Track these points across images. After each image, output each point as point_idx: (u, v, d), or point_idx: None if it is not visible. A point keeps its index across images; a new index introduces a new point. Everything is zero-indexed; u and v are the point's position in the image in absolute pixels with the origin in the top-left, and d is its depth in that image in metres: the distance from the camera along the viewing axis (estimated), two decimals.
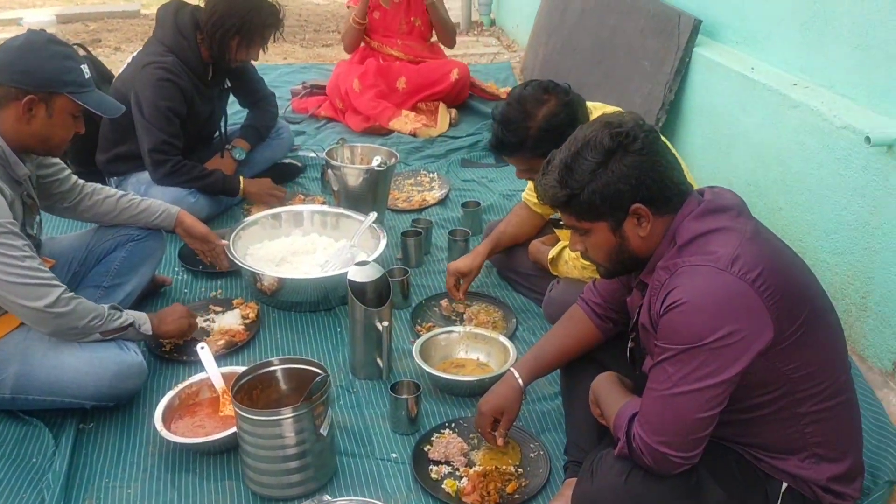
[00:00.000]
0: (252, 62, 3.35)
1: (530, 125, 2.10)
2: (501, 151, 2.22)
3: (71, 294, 1.96)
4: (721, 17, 3.18)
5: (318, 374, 1.89)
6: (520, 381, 1.90)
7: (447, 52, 4.73)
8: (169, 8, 3.09)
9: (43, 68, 1.92)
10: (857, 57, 2.34)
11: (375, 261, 2.54)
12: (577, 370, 1.96)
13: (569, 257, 2.35)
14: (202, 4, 3.05)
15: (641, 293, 1.67)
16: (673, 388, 1.45)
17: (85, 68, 2.03)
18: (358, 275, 2.28)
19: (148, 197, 2.85)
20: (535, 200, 2.64)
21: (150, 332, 2.15)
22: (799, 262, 1.61)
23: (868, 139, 2.04)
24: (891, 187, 2.07)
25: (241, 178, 3.18)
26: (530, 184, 2.67)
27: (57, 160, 2.25)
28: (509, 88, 4.83)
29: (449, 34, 4.58)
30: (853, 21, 2.34)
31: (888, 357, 2.12)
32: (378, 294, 2.29)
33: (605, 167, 1.49)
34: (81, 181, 2.36)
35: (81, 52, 3.35)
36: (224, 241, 2.62)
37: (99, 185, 2.41)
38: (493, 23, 6.80)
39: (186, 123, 3.07)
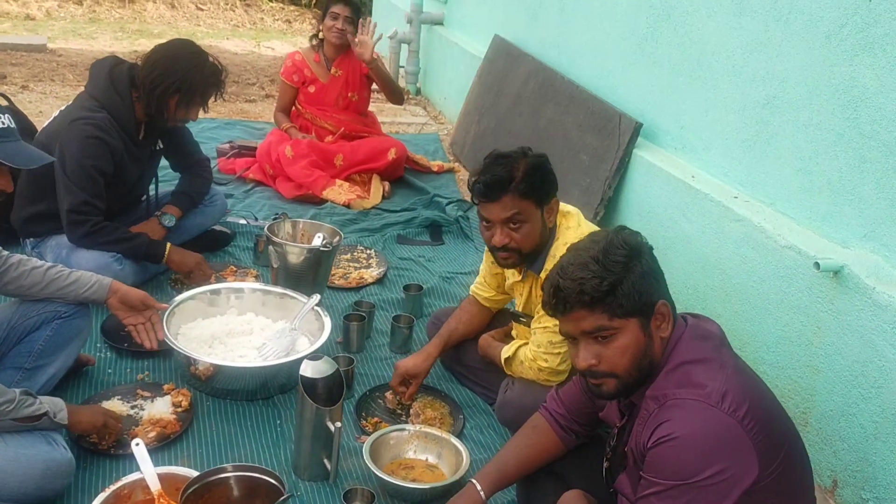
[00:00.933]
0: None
1: (516, 166, 2.17)
2: (490, 192, 2.18)
3: None
4: (662, 122, 3.32)
5: (273, 485, 1.77)
6: (482, 493, 1.84)
7: (383, 123, 4.74)
8: (104, 63, 2.94)
9: None
10: (800, 180, 2.48)
11: (319, 347, 2.46)
12: (535, 483, 1.92)
13: (525, 358, 2.33)
14: (139, 62, 2.92)
15: (622, 414, 1.66)
16: None
17: (6, 117, 1.91)
18: (309, 370, 2.17)
19: (70, 261, 2.67)
20: (485, 295, 2.63)
21: (66, 422, 1.96)
22: (772, 394, 1.65)
23: (817, 265, 2.14)
24: (836, 311, 2.18)
25: (168, 244, 3.01)
26: (479, 276, 2.66)
27: None
28: (440, 162, 4.91)
29: (395, 93, 4.64)
30: (796, 146, 2.49)
31: (828, 475, 2.19)
32: (329, 390, 2.19)
33: (635, 261, 1.52)
34: (6, 252, 2.16)
35: (2, 102, 3.14)
36: (164, 305, 2.47)
37: (25, 256, 2.21)
38: (419, 91, 6.87)
39: (113, 184, 2.89)
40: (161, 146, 3.17)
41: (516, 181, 2.16)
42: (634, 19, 3.51)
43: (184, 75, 2.84)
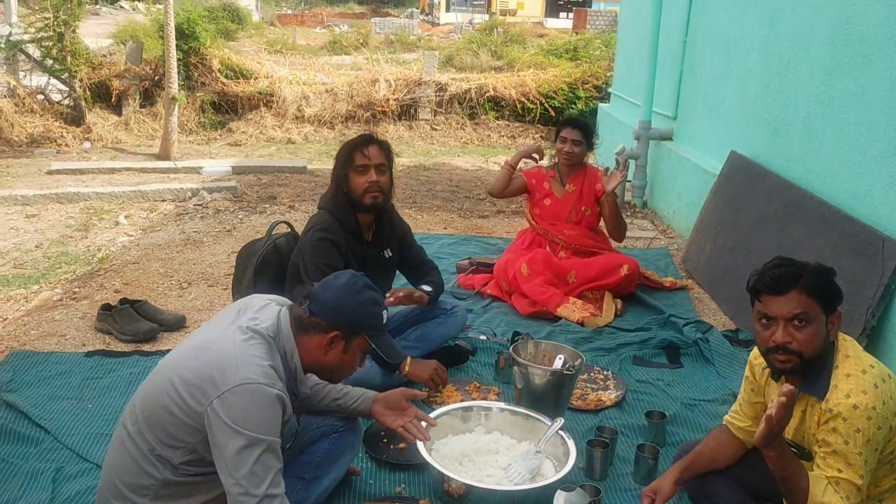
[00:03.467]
0: (412, 235, 3.53)
1: (806, 266, 2.18)
2: (781, 284, 2.14)
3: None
4: None
5: None
6: None
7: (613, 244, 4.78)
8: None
9: (355, 311, 2.11)
10: None
11: (566, 474, 2.47)
12: None
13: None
14: None
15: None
16: None
17: (384, 313, 2.21)
18: (562, 501, 2.19)
19: None
20: (740, 425, 2.51)
21: None
22: None
23: None
24: None
25: (408, 357, 3.21)
26: (735, 405, 2.55)
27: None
28: (672, 279, 4.83)
29: (620, 230, 4.64)
30: None
31: None
32: None
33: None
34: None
35: (286, 229, 3.57)
36: (422, 393, 2.73)
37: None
38: (645, 205, 6.87)
39: None
40: (390, 255, 3.42)
41: (806, 277, 2.13)
42: (893, 135, 3.31)
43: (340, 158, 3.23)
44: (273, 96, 10.49)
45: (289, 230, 3.58)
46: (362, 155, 3.18)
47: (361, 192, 3.18)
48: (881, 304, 3.13)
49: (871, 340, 3.17)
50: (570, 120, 4.63)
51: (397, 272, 3.56)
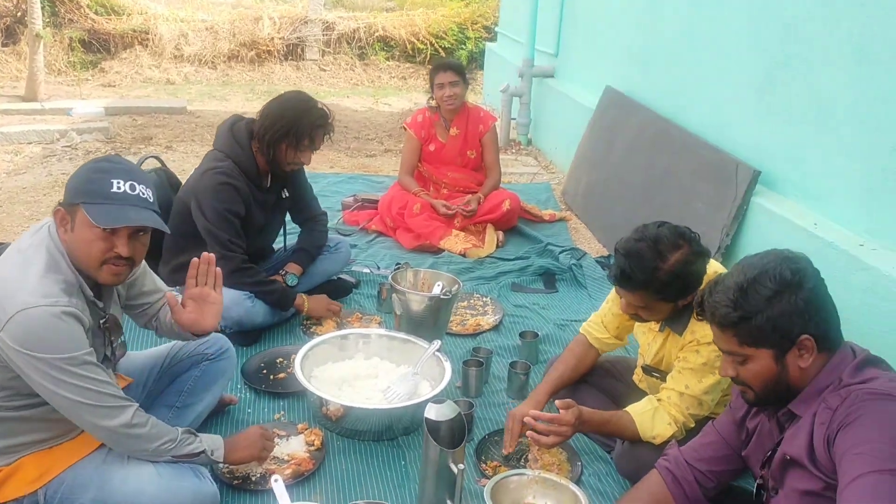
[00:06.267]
0: (305, 177, 3.47)
1: (661, 266, 2.11)
2: (624, 285, 2.19)
3: (146, 417, 1.96)
4: (781, 170, 3.29)
5: None
6: None
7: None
8: (227, 121, 3.22)
9: (75, 180, 1.89)
10: None
11: (441, 391, 2.56)
12: None
13: (670, 429, 2.27)
14: (257, 116, 3.16)
15: (781, 428, 1.69)
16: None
17: (118, 182, 1.85)
18: (434, 412, 2.28)
19: None
20: (597, 335, 2.67)
21: (222, 460, 2.13)
22: None
23: None
24: None
25: (303, 296, 3.23)
26: (596, 317, 2.70)
27: (156, 287, 2.29)
28: (552, 211, 4.99)
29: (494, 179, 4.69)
30: None
31: None
32: (451, 432, 2.28)
33: (780, 298, 1.56)
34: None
35: (157, 164, 3.47)
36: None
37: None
38: (529, 142, 7.01)
39: (244, 228, 3.13)
40: (287, 195, 3.39)
41: (655, 286, 2.12)
42: (751, 68, 3.51)
43: (291, 119, 3.06)
44: (149, 34, 9.96)
45: (160, 166, 3.47)
46: (313, 143, 3.13)
47: (286, 164, 3.15)
48: (734, 224, 3.36)
49: (726, 258, 3.41)
50: (440, 65, 4.57)
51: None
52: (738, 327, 1.59)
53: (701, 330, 2.24)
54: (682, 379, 2.28)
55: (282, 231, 3.46)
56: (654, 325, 2.42)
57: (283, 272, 3.36)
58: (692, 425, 2.27)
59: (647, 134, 4.38)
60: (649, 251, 2.11)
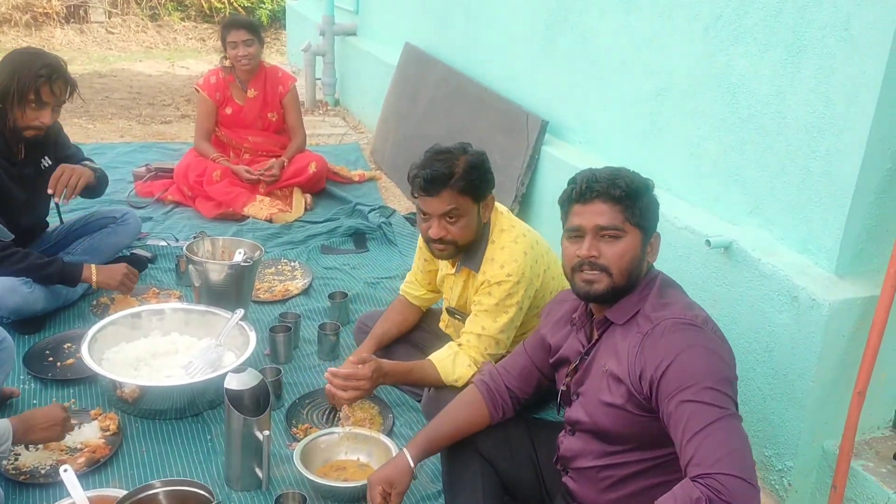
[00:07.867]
0: (67, 137, 3.19)
1: (457, 162, 2.27)
2: (430, 188, 2.26)
3: None
4: (566, 119, 3.47)
5: (202, 496, 1.80)
6: (409, 459, 1.95)
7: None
8: None
9: None
10: (691, 165, 2.64)
11: (246, 360, 2.49)
12: (460, 460, 2.02)
13: (469, 371, 2.36)
14: None
15: (589, 338, 1.82)
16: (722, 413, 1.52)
17: None
18: (234, 382, 2.21)
19: None
20: (415, 294, 2.71)
21: (8, 454, 1.95)
22: None
23: (708, 242, 2.30)
24: (728, 283, 2.34)
25: (92, 267, 2.97)
26: (409, 276, 2.75)
27: None
28: (361, 171, 4.97)
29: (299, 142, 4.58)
30: (685, 133, 2.66)
31: None
32: (256, 400, 2.23)
33: (650, 189, 1.76)
34: None
35: None
36: None
37: None
38: (337, 102, 6.91)
39: (4, 208, 2.85)
40: (49, 163, 3.06)
41: (456, 177, 2.25)
42: (534, 22, 3.65)
43: (10, 76, 2.75)
44: None
45: None
46: (40, 98, 2.77)
47: (24, 128, 2.81)
48: (528, 172, 3.51)
49: (522, 206, 3.56)
50: (231, 22, 4.34)
51: None
52: (630, 200, 1.70)
53: (490, 270, 2.35)
54: (478, 321, 2.37)
55: (54, 205, 3.16)
56: (451, 268, 2.50)
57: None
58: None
59: (446, 89, 4.45)
60: (443, 153, 2.31)
